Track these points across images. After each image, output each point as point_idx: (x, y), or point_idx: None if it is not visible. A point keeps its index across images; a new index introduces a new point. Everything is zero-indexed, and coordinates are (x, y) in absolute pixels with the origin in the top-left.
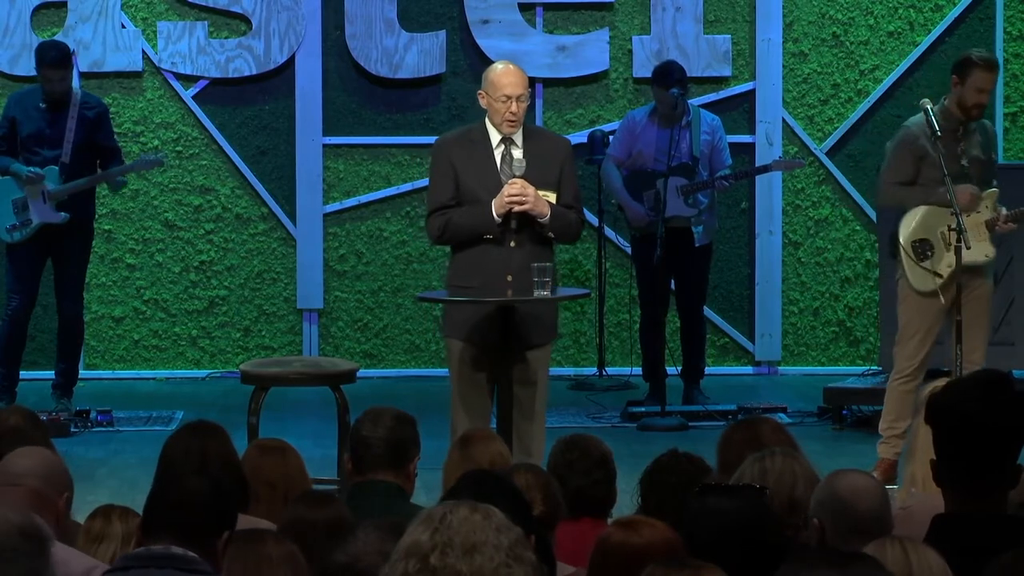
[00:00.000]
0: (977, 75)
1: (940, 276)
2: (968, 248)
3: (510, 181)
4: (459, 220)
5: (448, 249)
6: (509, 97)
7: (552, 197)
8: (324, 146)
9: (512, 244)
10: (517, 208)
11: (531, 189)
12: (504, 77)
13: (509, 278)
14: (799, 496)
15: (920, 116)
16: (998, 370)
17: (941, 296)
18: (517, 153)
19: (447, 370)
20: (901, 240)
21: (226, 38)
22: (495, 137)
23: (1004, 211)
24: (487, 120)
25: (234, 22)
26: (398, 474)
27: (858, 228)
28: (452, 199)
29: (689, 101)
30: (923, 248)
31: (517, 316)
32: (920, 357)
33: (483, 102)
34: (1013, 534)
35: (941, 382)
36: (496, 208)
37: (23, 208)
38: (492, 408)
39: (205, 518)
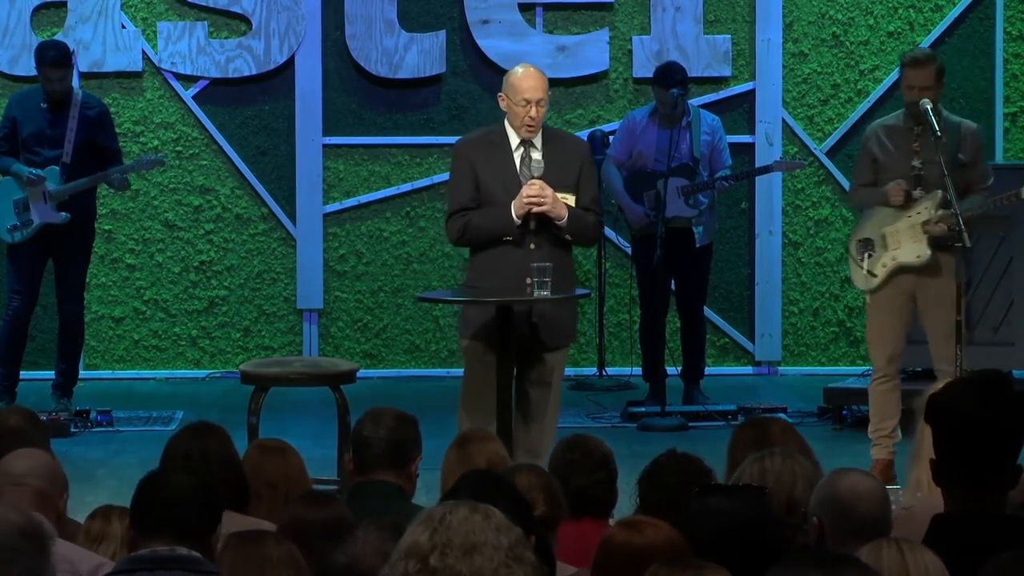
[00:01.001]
0: (905, 74)
1: (874, 275)
2: (968, 247)
3: (529, 182)
4: (479, 222)
5: (453, 250)
6: (529, 101)
7: (571, 199)
8: (324, 146)
9: (532, 246)
10: (536, 209)
11: (549, 191)
12: (524, 81)
13: (527, 280)
14: (799, 496)
15: (882, 119)
16: (997, 370)
17: (868, 296)
18: (536, 155)
19: (448, 370)
20: (849, 241)
21: (226, 38)
22: (514, 139)
23: (940, 212)
24: (506, 122)
25: (234, 22)
26: (399, 474)
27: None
28: (472, 200)
29: (689, 101)
30: (864, 248)
31: (535, 317)
32: (885, 356)
33: (503, 104)
34: (1013, 534)
35: (941, 383)
36: (515, 209)
37: (24, 208)
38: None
39: (197, 515)
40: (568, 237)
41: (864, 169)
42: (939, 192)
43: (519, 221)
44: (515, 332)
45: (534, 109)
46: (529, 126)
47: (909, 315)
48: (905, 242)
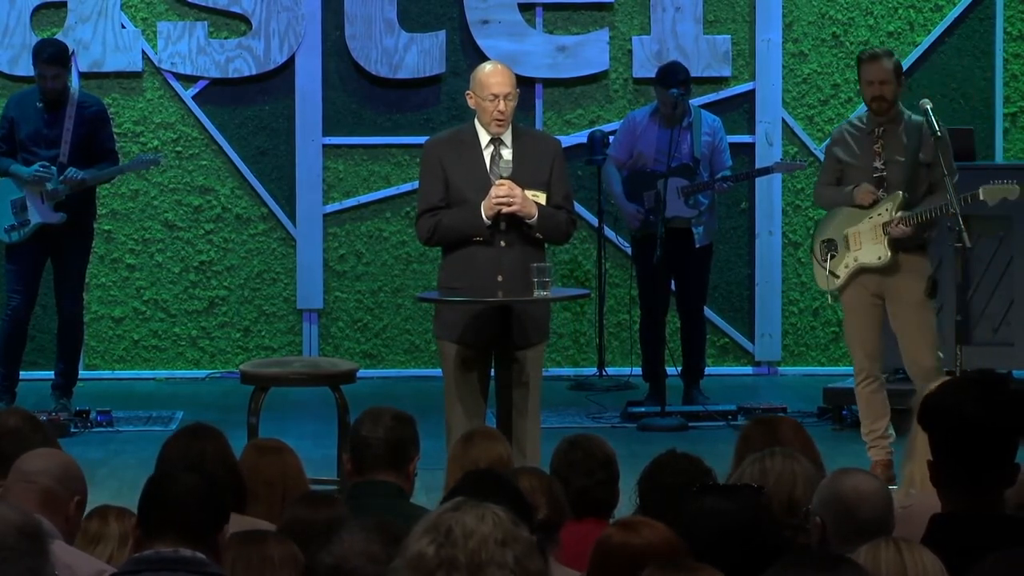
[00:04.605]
0: (862, 70)
1: (836, 276)
2: (969, 247)
3: (497, 182)
4: (448, 222)
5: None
6: (496, 96)
7: (541, 198)
8: (324, 146)
9: (502, 244)
10: (505, 210)
11: (518, 190)
12: (491, 77)
13: (500, 278)
14: (799, 496)
15: (849, 118)
16: (991, 370)
17: (829, 296)
18: (506, 153)
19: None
20: (813, 241)
21: (226, 38)
22: (484, 137)
23: (900, 214)
24: (476, 120)
25: (234, 22)
26: (398, 474)
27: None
28: (442, 200)
29: (689, 101)
30: (828, 248)
31: (510, 316)
32: (864, 355)
33: (471, 102)
34: (1011, 534)
35: (933, 384)
36: (484, 210)
37: (22, 208)
38: (486, 408)
39: (204, 515)
40: (539, 235)
41: (828, 169)
42: (900, 193)
43: (489, 221)
44: (489, 331)
45: (502, 104)
46: (498, 121)
47: (879, 313)
48: (866, 243)
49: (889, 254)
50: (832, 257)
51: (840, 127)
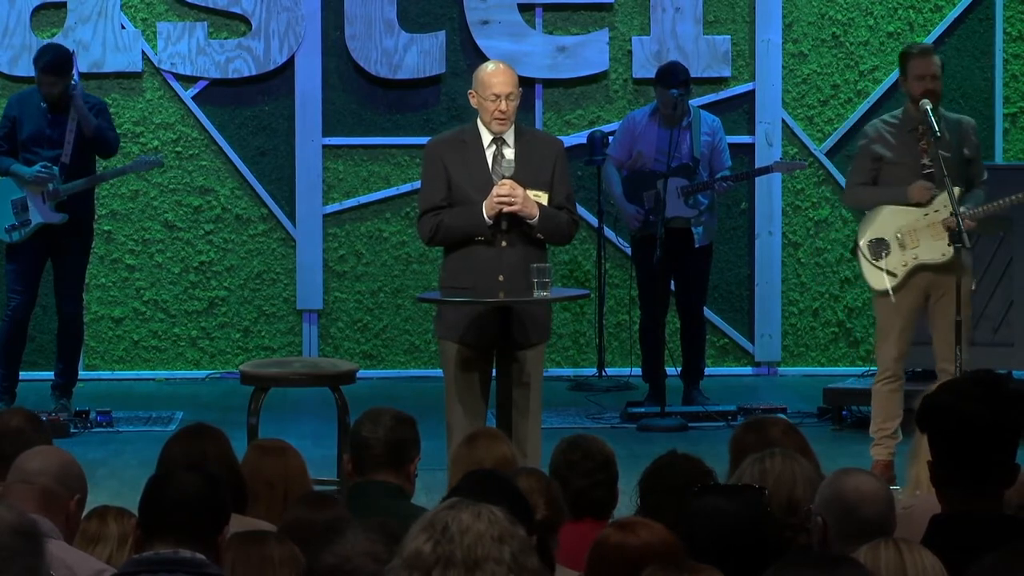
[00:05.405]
0: (913, 64)
1: (894, 275)
2: (968, 247)
3: (499, 182)
4: (450, 222)
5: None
6: (498, 96)
7: (544, 198)
8: (324, 147)
9: (503, 244)
10: (506, 209)
11: (520, 190)
12: (493, 76)
13: (501, 278)
14: (799, 497)
15: (881, 117)
16: (989, 369)
17: (892, 295)
18: (508, 153)
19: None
20: (859, 240)
21: (226, 39)
22: (486, 137)
23: (961, 209)
24: (478, 120)
25: (234, 23)
26: (398, 475)
27: (857, 229)
28: (444, 200)
29: (689, 102)
30: (879, 247)
31: (511, 316)
32: (894, 356)
33: (473, 101)
34: (1011, 534)
35: (933, 386)
36: (486, 210)
37: (22, 208)
38: (486, 408)
39: (204, 516)
40: (540, 236)
41: (864, 168)
42: (957, 189)
43: (490, 221)
44: (490, 331)
45: (504, 103)
46: (499, 120)
47: (920, 315)
48: (925, 240)
49: (952, 250)
50: (886, 256)
51: (874, 126)
